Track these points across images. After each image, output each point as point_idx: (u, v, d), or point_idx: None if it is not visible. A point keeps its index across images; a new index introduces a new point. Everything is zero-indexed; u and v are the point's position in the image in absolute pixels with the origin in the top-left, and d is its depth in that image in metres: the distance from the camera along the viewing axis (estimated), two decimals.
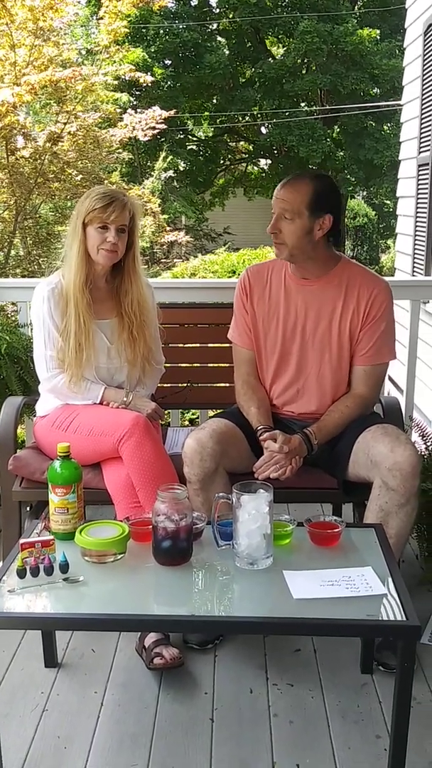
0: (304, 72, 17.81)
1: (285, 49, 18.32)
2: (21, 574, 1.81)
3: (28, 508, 2.62)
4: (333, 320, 2.44)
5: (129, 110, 9.21)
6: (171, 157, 15.57)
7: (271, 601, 1.81)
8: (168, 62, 17.93)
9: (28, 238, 8.02)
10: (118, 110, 9.34)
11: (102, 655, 2.33)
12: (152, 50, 17.10)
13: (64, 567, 1.83)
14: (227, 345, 2.69)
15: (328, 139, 17.59)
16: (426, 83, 5.66)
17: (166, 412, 2.84)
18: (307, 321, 2.46)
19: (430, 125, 5.43)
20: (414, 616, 1.68)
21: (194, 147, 20.15)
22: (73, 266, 2.49)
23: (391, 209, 17.90)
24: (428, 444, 2.79)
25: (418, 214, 5.74)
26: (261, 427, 2.41)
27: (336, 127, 18.31)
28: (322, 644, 2.36)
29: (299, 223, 2.34)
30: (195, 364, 3.15)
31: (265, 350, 2.54)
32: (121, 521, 2.01)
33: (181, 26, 17.40)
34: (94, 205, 2.45)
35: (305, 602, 1.74)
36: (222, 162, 20.76)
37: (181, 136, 18.86)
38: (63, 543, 1.93)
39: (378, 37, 17.30)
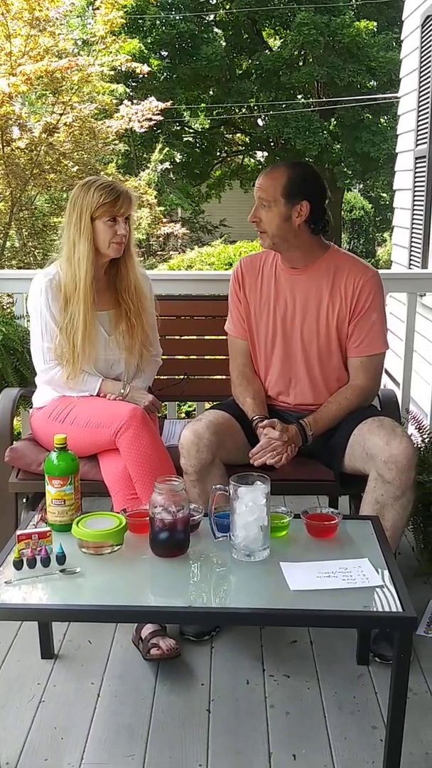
0: (300, 64, 17.74)
1: (282, 40, 18.22)
2: (18, 565, 1.81)
3: (24, 500, 2.62)
4: (321, 309, 2.44)
5: (125, 101, 9.15)
6: (167, 148, 15.51)
7: (267, 592, 1.82)
8: (164, 53, 17.82)
9: (23, 230, 8.00)
10: (115, 101, 9.29)
11: (99, 646, 2.34)
12: (149, 41, 17.00)
13: (61, 558, 1.83)
14: (224, 337, 2.69)
15: (325, 132, 17.53)
16: (423, 75, 5.64)
17: (163, 404, 2.84)
18: (296, 310, 2.46)
19: (427, 117, 5.41)
20: (410, 607, 1.68)
21: (190, 139, 20.07)
22: (83, 264, 2.47)
23: (387, 202, 17.87)
24: (424, 436, 2.79)
25: (415, 207, 5.74)
26: (257, 416, 2.42)
27: (333, 119, 18.25)
28: (319, 635, 2.37)
29: (276, 210, 2.35)
30: (192, 357, 3.15)
31: (258, 340, 2.54)
32: (118, 513, 2.02)
33: (177, 17, 17.29)
34: (102, 200, 2.44)
35: (302, 594, 1.74)
36: (218, 154, 20.69)
37: (178, 128, 18.77)
38: (60, 534, 1.93)
39: (375, 29, 17.19)
